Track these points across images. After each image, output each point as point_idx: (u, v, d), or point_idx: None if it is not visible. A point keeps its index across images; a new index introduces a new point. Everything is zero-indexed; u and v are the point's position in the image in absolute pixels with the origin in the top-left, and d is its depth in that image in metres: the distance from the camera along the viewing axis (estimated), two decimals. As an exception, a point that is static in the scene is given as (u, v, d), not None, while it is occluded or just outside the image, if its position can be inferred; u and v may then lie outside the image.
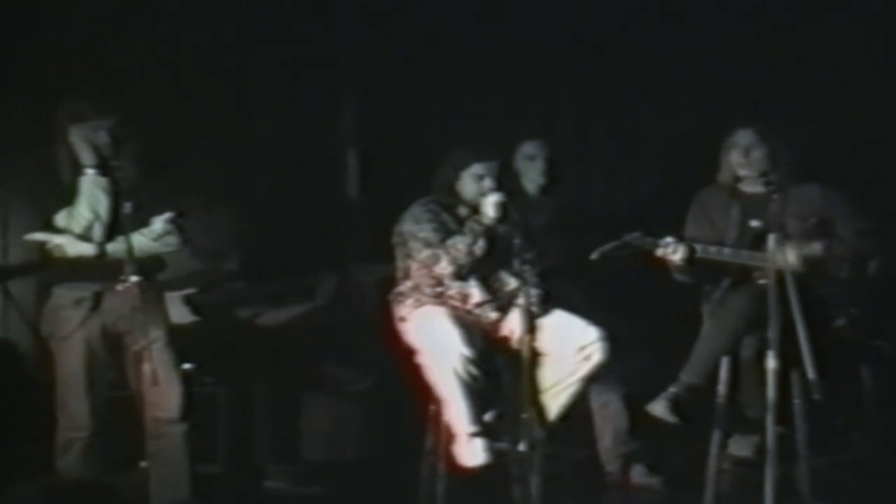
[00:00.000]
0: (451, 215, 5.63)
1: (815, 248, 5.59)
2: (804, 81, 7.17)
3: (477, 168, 5.61)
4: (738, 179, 5.82)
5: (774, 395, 5.04)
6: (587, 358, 5.47)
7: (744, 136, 5.79)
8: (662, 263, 5.66)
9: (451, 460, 5.42)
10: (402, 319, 5.61)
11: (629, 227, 5.66)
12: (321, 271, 6.79)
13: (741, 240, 5.67)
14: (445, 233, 5.55)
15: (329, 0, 7.20)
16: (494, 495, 5.48)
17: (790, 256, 5.37)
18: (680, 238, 5.63)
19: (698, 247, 5.60)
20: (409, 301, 5.60)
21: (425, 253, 5.54)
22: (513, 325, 5.51)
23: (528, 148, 6.51)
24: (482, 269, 5.59)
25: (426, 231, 5.55)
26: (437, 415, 5.47)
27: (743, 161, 5.78)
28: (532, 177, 6.48)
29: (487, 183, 5.58)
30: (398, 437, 6.29)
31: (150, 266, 5.29)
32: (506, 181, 5.66)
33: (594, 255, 5.60)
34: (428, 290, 5.57)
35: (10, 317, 6.55)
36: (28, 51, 6.54)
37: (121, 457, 5.33)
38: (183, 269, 6.26)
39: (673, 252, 5.58)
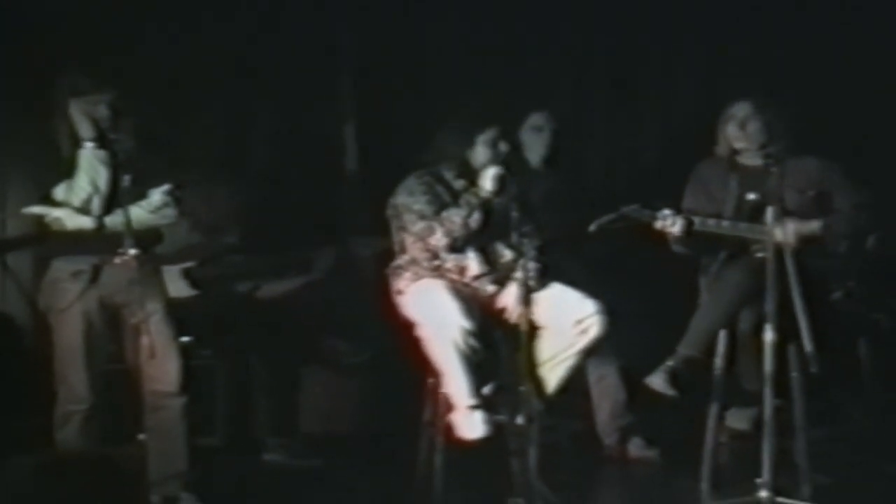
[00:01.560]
0: (446, 188, 5.62)
1: (814, 226, 5.59)
2: (803, 54, 7.17)
3: (492, 133, 5.57)
4: (735, 152, 5.81)
5: (772, 369, 5.04)
6: (585, 331, 5.47)
7: (740, 109, 5.78)
8: (660, 236, 5.66)
9: (449, 433, 5.43)
10: (400, 293, 5.60)
11: (628, 199, 5.65)
12: (319, 245, 6.79)
13: (739, 212, 5.66)
14: (440, 205, 5.54)
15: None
16: (492, 468, 5.48)
17: (788, 233, 5.37)
18: (678, 210, 5.63)
19: (696, 219, 5.59)
20: (407, 274, 5.59)
21: (420, 225, 5.54)
22: (510, 298, 5.52)
23: (536, 119, 6.52)
24: (479, 241, 5.59)
25: (420, 203, 5.54)
26: (436, 387, 5.47)
27: (739, 134, 5.77)
28: (536, 148, 6.49)
29: (503, 147, 5.55)
30: (396, 409, 6.29)
31: (147, 239, 5.29)
32: (509, 152, 5.65)
33: (592, 227, 5.60)
34: (425, 264, 5.57)
35: (9, 290, 6.55)
36: (27, 24, 6.53)
37: (119, 430, 5.34)
38: (182, 243, 6.27)
39: (671, 224, 5.58)
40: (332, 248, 6.81)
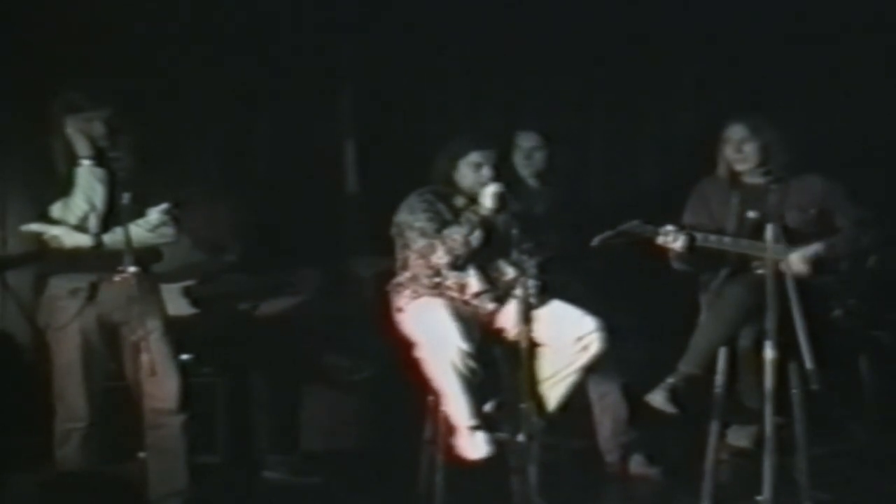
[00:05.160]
0: (447, 205, 5.62)
1: (816, 248, 5.58)
2: (805, 70, 7.17)
3: (475, 157, 5.60)
4: (736, 173, 5.81)
5: (772, 386, 5.04)
6: (585, 348, 5.48)
7: (735, 131, 5.78)
8: (661, 252, 5.66)
9: (449, 450, 5.43)
10: (400, 310, 5.61)
11: (628, 216, 5.65)
12: (319, 263, 6.79)
13: (740, 230, 5.66)
14: (441, 223, 5.54)
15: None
16: (493, 485, 5.48)
17: (796, 265, 5.38)
18: (679, 226, 5.63)
19: (698, 235, 5.59)
20: (407, 292, 5.59)
21: (421, 243, 5.54)
22: (510, 315, 5.51)
23: (520, 139, 6.51)
24: (480, 258, 5.59)
25: (421, 221, 5.55)
26: (436, 405, 5.47)
27: (738, 156, 5.77)
28: (525, 168, 6.49)
29: (485, 172, 5.58)
30: (397, 427, 6.29)
31: (146, 257, 5.28)
32: (504, 171, 5.65)
33: (594, 242, 5.60)
34: (426, 281, 5.57)
35: (8, 308, 6.55)
36: (24, 41, 6.53)
37: (119, 447, 5.33)
38: (182, 261, 6.27)
39: (673, 240, 5.58)
40: (332, 267, 6.82)
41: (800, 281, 5.07)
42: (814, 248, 5.57)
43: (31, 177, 5.55)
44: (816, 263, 5.53)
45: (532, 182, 6.48)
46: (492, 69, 7.39)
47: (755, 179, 5.71)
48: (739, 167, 5.78)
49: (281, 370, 6.57)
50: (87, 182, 5.24)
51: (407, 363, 5.48)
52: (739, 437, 6.13)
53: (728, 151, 5.79)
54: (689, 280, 5.82)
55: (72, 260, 5.22)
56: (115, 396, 5.35)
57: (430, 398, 5.49)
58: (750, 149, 5.75)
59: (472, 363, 5.33)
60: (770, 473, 5.15)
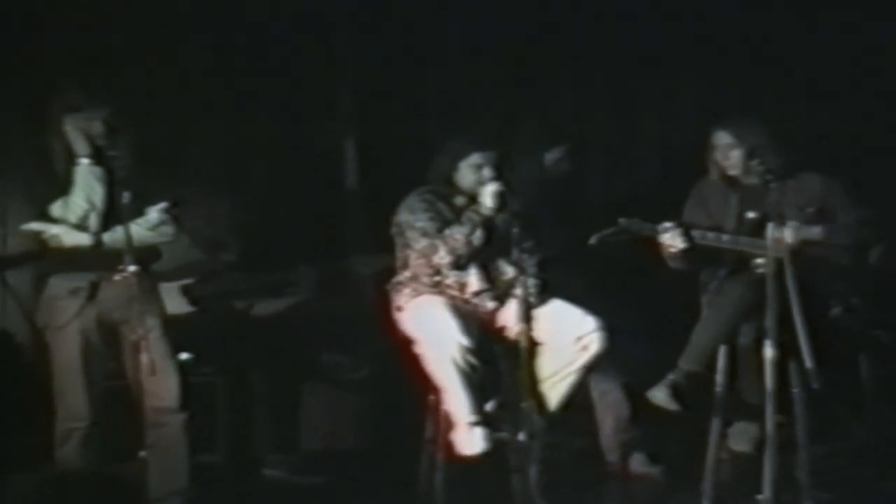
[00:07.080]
0: (447, 205, 5.63)
1: (815, 231, 5.59)
2: (805, 69, 7.17)
3: (475, 158, 5.61)
4: (730, 177, 5.82)
5: (773, 385, 5.03)
6: (585, 347, 5.48)
7: (721, 138, 5.80)
8: (661, 250, 5.66)
9: (450, 449, 5.43)
10: (400, 309, 5.61)
11: (628, 216, 5.65)
12: (318, 262, 6.80)
13: (739, 230, 5.66)
14: (442, 222, 5.55)
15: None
16: (494, 485, 5.48)
17: (787, 235, 5.37)
18: (678, 224, 5.63)
19: (696, 233, 5.60)
20: (407, 290, 5.59)
21: (423, 243, 5.54)
22: (510, 314, 5.51)
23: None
24: (481, 258, 5.59)
25: (422, 221, 5.55)
26: (436, 404, 5.47)
27: (727, 163, 5.79)
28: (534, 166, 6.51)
29: (486, 173, 5.58)
30: (397, 426, 6.29)
31: (146, 256, 5.28)
32: (504, 170, 5.66)
33: (592, 240, 5.61)
34: (426, 280, 5.57)
35: (8, 308, 6.54)
36: (23, 41, 6.53)
37: (120, 447, 5.32)
38: (181, 260, 6.26)
39: (672, 237, 5.57)
40: (331, 266, 6.82)
41: (800, 279, 5.06)
42: (811, 229, 5.58)
43: (31, 176, 5.53)
44: (809, 242, 5.53)
45: (534, 181, 6.48)
46: (492, 69, 7.38)
47: (752, 180, 5.72)
48: (731, 172, 5.79)
49: (280, 369, 6.58)
50: (86, 181, 5.23)
51: (407, 362, 5.48)
52: (740, 442, 6.13)
53: (717, 157, 5.81)
54: (689, 280, 5.82)
55: (72, 259, 5.23)
56: (116, 396, 5.34)
57: (431, 397, 5.49)
58: (736, 154, 5.77)
59: (472, 359, 5.34)
60: (770, 472, 5.14)
